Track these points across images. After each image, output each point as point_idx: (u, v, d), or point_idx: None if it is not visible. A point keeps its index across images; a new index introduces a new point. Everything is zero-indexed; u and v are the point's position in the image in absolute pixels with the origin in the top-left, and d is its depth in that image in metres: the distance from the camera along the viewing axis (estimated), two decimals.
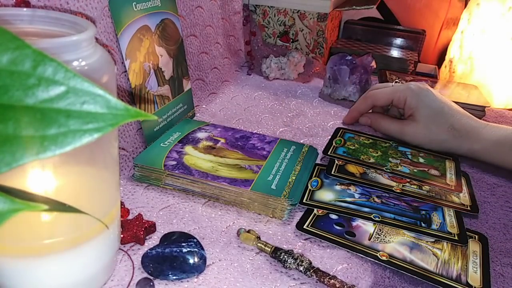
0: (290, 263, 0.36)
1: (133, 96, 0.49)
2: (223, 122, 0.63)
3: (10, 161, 0.14)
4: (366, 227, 0.42)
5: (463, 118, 0.56)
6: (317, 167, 0.52)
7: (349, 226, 0.42)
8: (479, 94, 0.75)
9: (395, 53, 0.97)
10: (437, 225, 0.42)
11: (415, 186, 0.49)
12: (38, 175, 0.27)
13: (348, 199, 0.46)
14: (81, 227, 0.28)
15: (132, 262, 0.36)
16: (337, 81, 0.74)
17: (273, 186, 0.44)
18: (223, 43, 0.77)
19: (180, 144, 0.51)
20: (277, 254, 0.37)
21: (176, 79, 0.58)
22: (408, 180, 0.50)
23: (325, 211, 0.44)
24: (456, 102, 0.69)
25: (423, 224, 0.42)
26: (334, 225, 0.42)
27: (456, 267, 0.38)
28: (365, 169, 0.51)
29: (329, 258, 0.38)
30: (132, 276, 0.34)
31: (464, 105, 0.69)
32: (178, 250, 0.35)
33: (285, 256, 0.36)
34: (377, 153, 0.55)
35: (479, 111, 0.69)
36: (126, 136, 0.49)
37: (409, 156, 0.56)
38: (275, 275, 0.36)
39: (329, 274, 0.35)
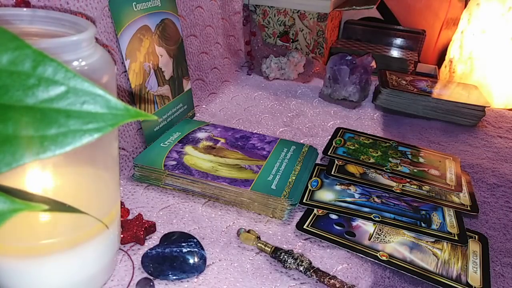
0: (290, 263, 0.36)
1: (133, 96, 0.49)
2: (223, 122, 0.63)
3: (10, 161, 0.14)
4: (366, 227, 0.42)
5: None
6: (317, 167, 0.52)
7: (349, 226, 0.42)
8: (479, 94, 0.75)
9: (395, 53, 0.97)
10: (437, 225, 0.42)
11: (415, 186, 0.49)
12: (38, 175, 0.27)
13: (348, 199, 0.46)
14: (81, 227, 0.28)
15: (132, 262, 0.36)
16: (337, 81, 0.74)
17: (273, 186, 0.44)
18: (223, 43, 0.77)
19: (180, 144, 0.51)
20: (277, 254, 0.37)
21: (176, 79, 0.58)
22: (408, 180, 0.50)
23: (325, 211, 0.44)
24: (456, 102, 0.69)
25: (423, 224, 0.42)
26: (334, 225, 0.42)
27: (456, 267, 0.38)
28: (365, 169, 0.51)
29: (329, 258, 0.38)
30: (132, 276, 0.34)
31: (464, 105, 0.69)
32: (178, 250, 0.35)
33: (285, 256, 0.36)
34: (377, 153, 0.55)
35: (479, 111, 0.69)
36: (126, 136, 0.49)
37: (409, 156, 0.56)
38: (275, 275, 0.36)
39: (329, 274, 0.35)
